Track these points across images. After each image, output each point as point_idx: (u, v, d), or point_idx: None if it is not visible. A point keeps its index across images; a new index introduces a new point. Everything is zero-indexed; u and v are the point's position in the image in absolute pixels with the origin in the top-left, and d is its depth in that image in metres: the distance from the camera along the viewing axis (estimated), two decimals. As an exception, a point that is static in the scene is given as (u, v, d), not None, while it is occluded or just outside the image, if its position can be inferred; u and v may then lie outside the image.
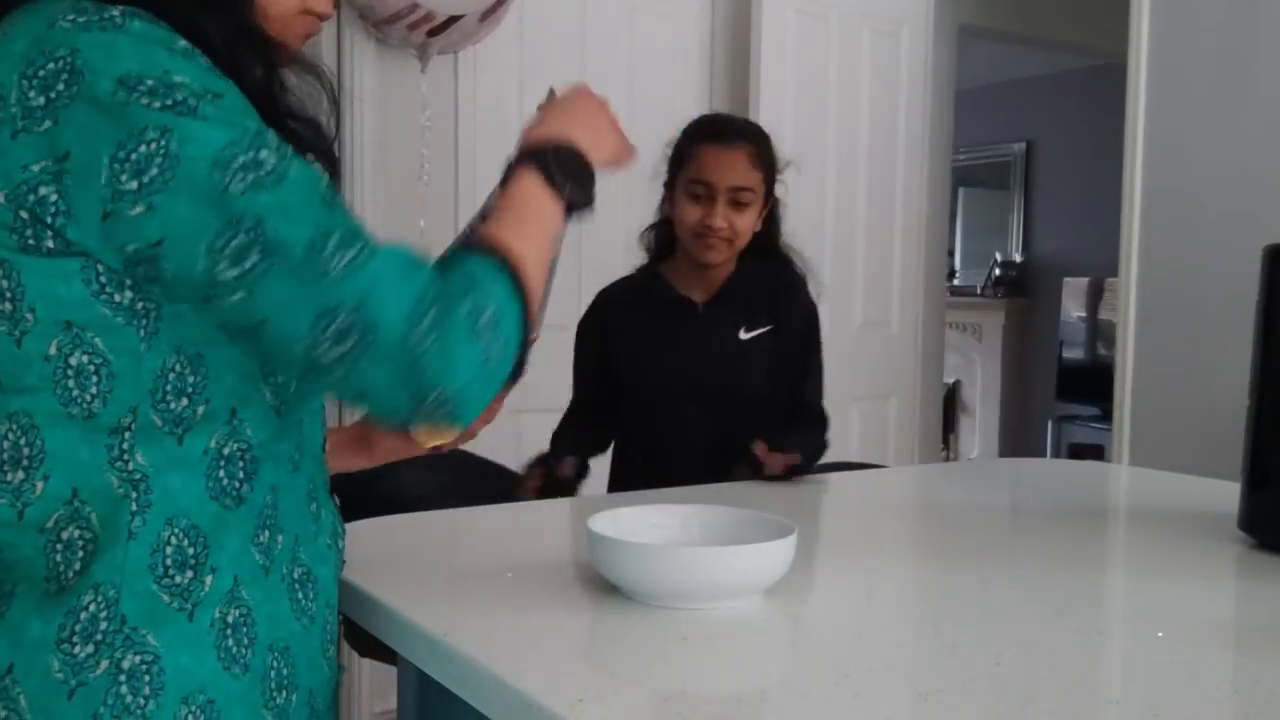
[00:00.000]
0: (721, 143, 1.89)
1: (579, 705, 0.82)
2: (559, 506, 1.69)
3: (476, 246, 0.87)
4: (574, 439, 1.98)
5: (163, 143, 0.74)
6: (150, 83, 0.74)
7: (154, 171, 0.74)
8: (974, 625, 1.06)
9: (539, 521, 1.58)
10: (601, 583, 1.11)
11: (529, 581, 1.16)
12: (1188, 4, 3.01)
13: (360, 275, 0.76)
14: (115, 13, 0.77)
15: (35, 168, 0.74)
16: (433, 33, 2.81)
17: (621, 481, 2.00)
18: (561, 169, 0.97)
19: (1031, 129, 6.73)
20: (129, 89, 0.74)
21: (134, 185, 0.74)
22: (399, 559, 1.25)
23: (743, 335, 1.98)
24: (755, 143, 1.91)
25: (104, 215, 0.75)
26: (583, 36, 3.31)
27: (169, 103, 0.74)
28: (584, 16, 3.30)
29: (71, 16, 0.76)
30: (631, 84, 3.27)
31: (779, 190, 1.99)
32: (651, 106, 2.98)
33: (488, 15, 2.85)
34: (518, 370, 0.87)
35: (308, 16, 0.94)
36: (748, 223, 1.90)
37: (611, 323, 2.02)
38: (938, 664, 0.97)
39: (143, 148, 0.73)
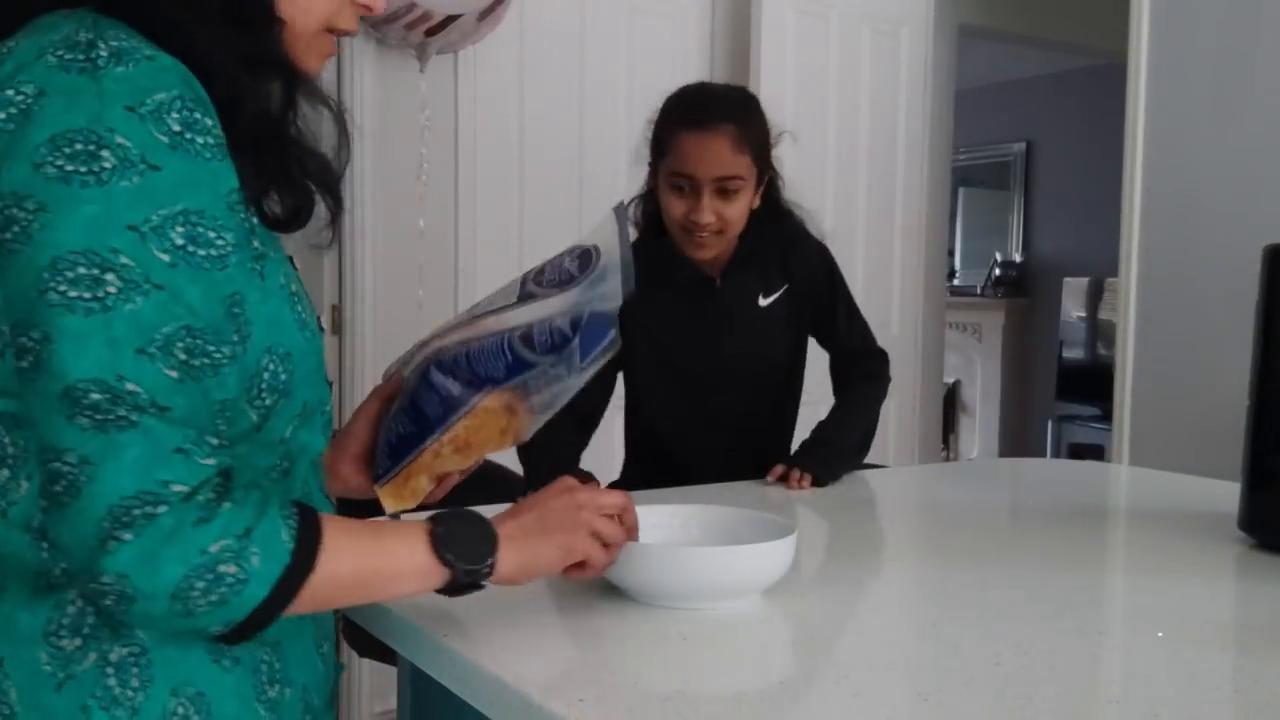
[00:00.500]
0: (700, 129, 1.70)
1: (579, 705, 0.82)
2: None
3: (306, 517, 0.79)
4: (560, 452, 1.74)
5: (31, 218, 0.72)
6: (79, 145, 0.72)
7: (8, 236, 0.72)
8: (974, 625, 1.06)
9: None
10: (602, 583, 1.11)
11: (529, 582, 1.16)
12: (1188, 4, 3.01)
13: (103, 438, 0.71)
14: (104, 53, 0.75)
15: None
16: (431, 32, 2.81)
17: (639, 481, 1.85)
18: (454, 529, 0.88)
19: (1031, 129, 6.74)
20: (54, 148, 0.72)
21: None
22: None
23: (762, 302, 1.87)
24: (739, 122, 1.73)
25: None
26: (582, 36, 3.31)
27: (81, 169, 0.72)
28: (584, 16, 3.30)
29: (60, 51, 0.75)
30: (631, 84, 3.27)
31: (778, 159, 1.84)
32: (651, 107, 2.97)
33: (486, 14, 2.85)
34: (228, 638, 0.78)
35: (329, 35, 0.92)
36: (738, 210, 1.75)
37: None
38: (938, 664, 0.97)
39: (15, 210, 0.72)
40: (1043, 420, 6.37)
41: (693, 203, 1.72)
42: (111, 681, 0.79)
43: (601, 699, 0.85)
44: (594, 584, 1.12)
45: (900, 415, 3.85)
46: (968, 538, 1.48)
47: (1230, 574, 1.32)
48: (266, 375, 0.83)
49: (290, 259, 0.93)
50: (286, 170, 0.87)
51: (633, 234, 1.82)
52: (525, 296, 1.07)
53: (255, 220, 0.84)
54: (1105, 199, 4.05)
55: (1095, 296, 5.98)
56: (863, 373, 1.96)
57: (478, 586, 0.90)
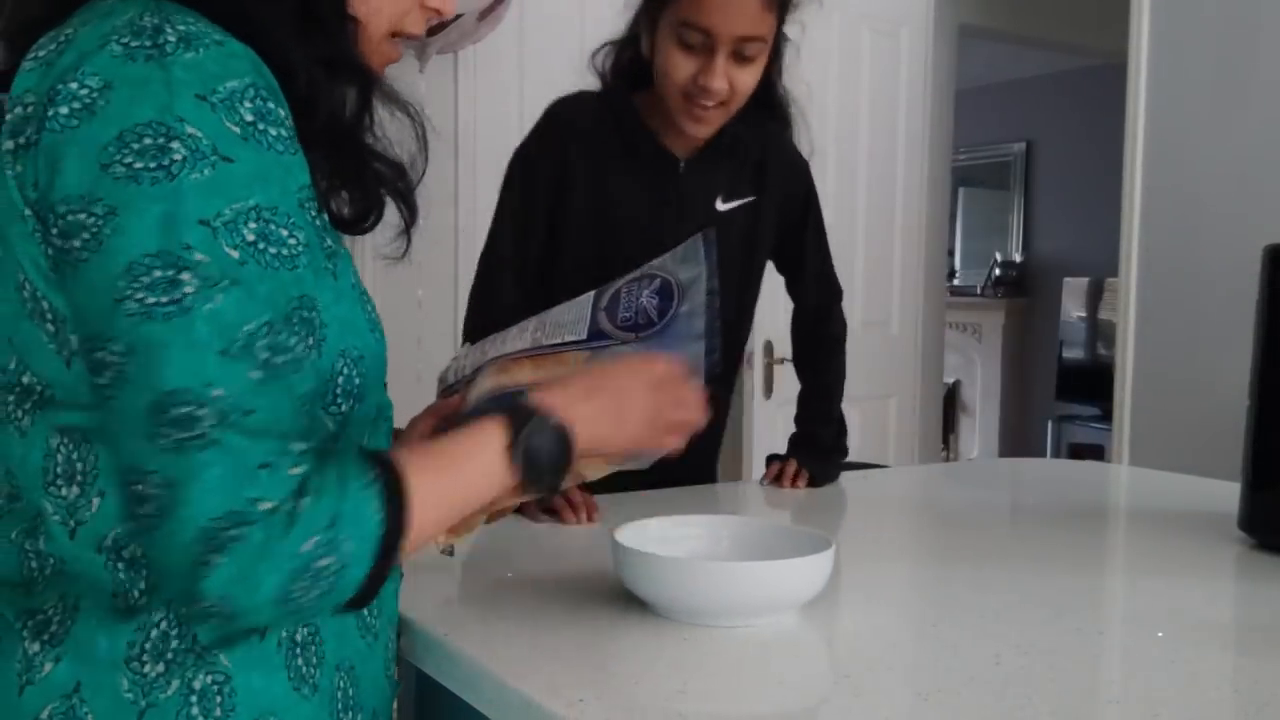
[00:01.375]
0: None
1: (579, 705, 0.82)
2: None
3: (388, 476, 0.76)
4: (497, 306, 1.53)
5: (101, 223, 0.69)
6: (149, 140, 0.69)
7: (76, 244, 0.69)
8: (974, 625, 1.06)
9: (540, 523, 1.58)
10: (602, 583, 1.11)
11: (529, 582, 1.16)
12: (1188, 4, 3.01)
13: (184, 459, 0.68)
14: (171, 38, 0.71)
15: (35, 185, 0.72)
16: (431, 32, 2.81)
17: None
18: (531, 444, 0.85)
19: (1031, 129, 6.73)
20: (122, 145, 0.69)
21: (59, 244, 0.70)
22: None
23: (720, 206, 1.62)
24: None
25: (46, 255, 0.72)
26: (582, 36, 3.30)
27: (151, 165, 0.69)
28: (584, 16, 3.30)
29: (125, 39, 0.71)
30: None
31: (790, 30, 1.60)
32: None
33: (486, 14, 2.85)
34: (347, 610, 0.78)
35: (395, 40, 0.89)
36: (751, 80, 1.50)
37: (573, 157, 1.56)
38: (937, 664, 0.97)
39: (83, 215, 0.69)
40: (1043, 420, 6.37)
41: (704, 62, 1.46)
42: (195, 710, 0.76)
43: (601, 699, 0.85)
44: (594, 584, 1.12)
45: (900, 415, 3.85)
46: (968, 538, 1.48)
47: (1230, 574, 1.32)
48: (341, 379, 0.80)
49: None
50: (359, 173, 0.84)
51: (597, 84, 1.66)
52: (595, 334, 1.03)
53: (325, 218, 0.81)
54: (1105, 199, 4.05)
55: (1095, 296, 5.98)
56: (830, 336, 1.80)
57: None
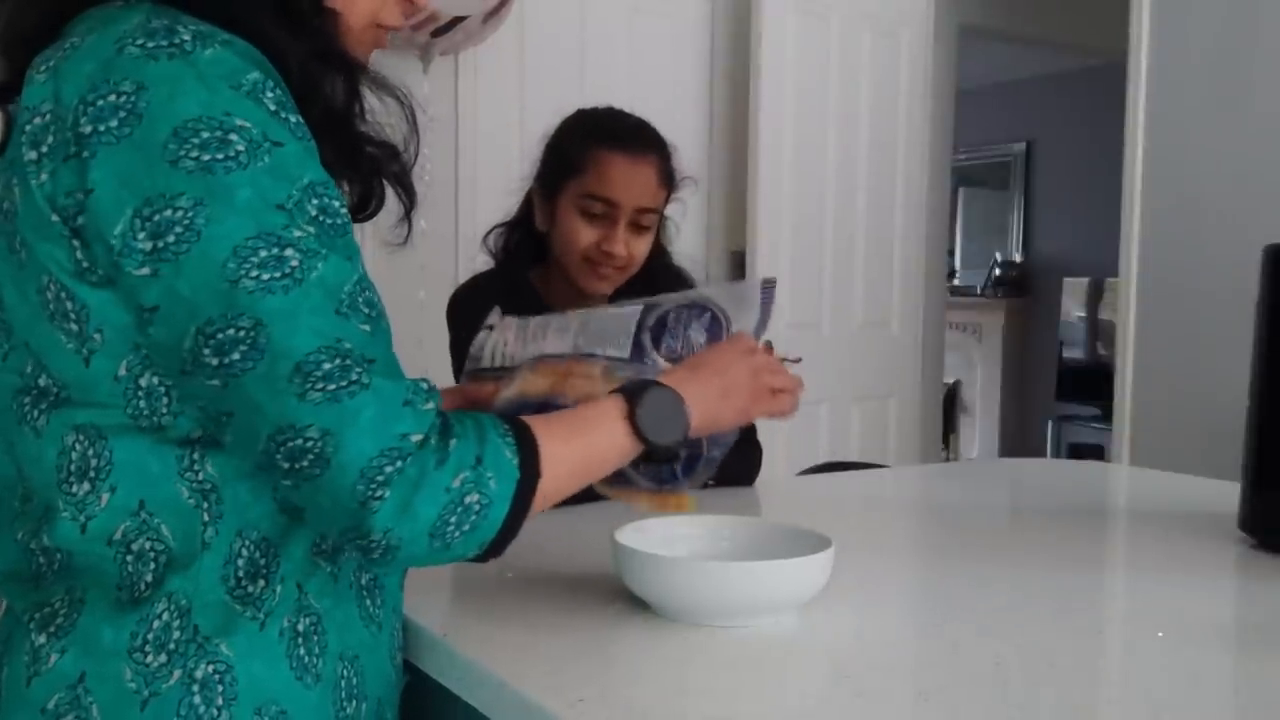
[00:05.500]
0: (632, 153, 1.58)
1: (579, 705, 0.82)
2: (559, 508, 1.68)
3: (520, 431, 0.83)
4: None
5: (191, 214, 0.71)
6: (206, 134, 0.71)
7: (170, 239, 0.71)
8: (974, 625, 1.06)
9: (540, 522, 1.58)
10: (602, 582, 1.11)
11: (529, 582, 1.16)
12: (1188, 4, 3.01)
13: (338, 407, 0.73)
14: (186, 37, 0.74)
15: (76, 196, 0.73)
16: (437, 33, 2.81)
17: None
18: (650, 410, 0.92)
19: (1031, 129, 6.73)
20: (181, 140, 0.71)
21: (148, 246, 0.72)
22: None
23: None
24: (663, 154, 1.62)
25: (111, 262, 0.73)
26: (583, 37, 3.31)
27: (219, 157, 0.72)
28: (584, 17, 3.31)
29: (141, 40, 0.73)
30: (632, 84, 3.27)
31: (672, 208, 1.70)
32: (651, 106, 2.97)
33: (491, 16, 2.86)
34: (483, 557, 0.83)
35: (377, 29, 0.91)
36: (645, 247, 1.62)
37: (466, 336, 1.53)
38: (938, 664, 0.97)
39: (169, 212, 0.71)
40: (1043, 420, 6.37)
41: (606, 231, 1.57)
42: (196, 699, 0.77)
43: (601, 699, 0.85)
44: (594, 583, 1.12)
45: (900, 415, 3.85)
46: (968, 538, 1.48)
47: (1230, 574, 1.32)
48: None
49: None
50: (355, 160, 0.87)
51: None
52: (638, 353, 1.04)
53: None
54: (1105, 199, 4.06)
55: (1095, 296, 5.98)
56: None
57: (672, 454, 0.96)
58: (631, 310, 1.08)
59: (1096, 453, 5.29)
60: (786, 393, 1.05)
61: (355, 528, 0.75)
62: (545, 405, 1.03)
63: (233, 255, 0.72)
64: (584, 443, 0.90)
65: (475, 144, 3.10)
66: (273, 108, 0.75)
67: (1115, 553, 1.50)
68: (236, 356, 0.72)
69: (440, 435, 0.77)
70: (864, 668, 0.95)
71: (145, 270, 0.72)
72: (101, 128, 0.72)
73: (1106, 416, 3.70)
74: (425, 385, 0.79)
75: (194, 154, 0.71)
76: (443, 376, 1.24)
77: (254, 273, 0.72)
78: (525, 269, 1.70)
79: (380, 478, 0.73)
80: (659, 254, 1.70)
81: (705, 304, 1.06)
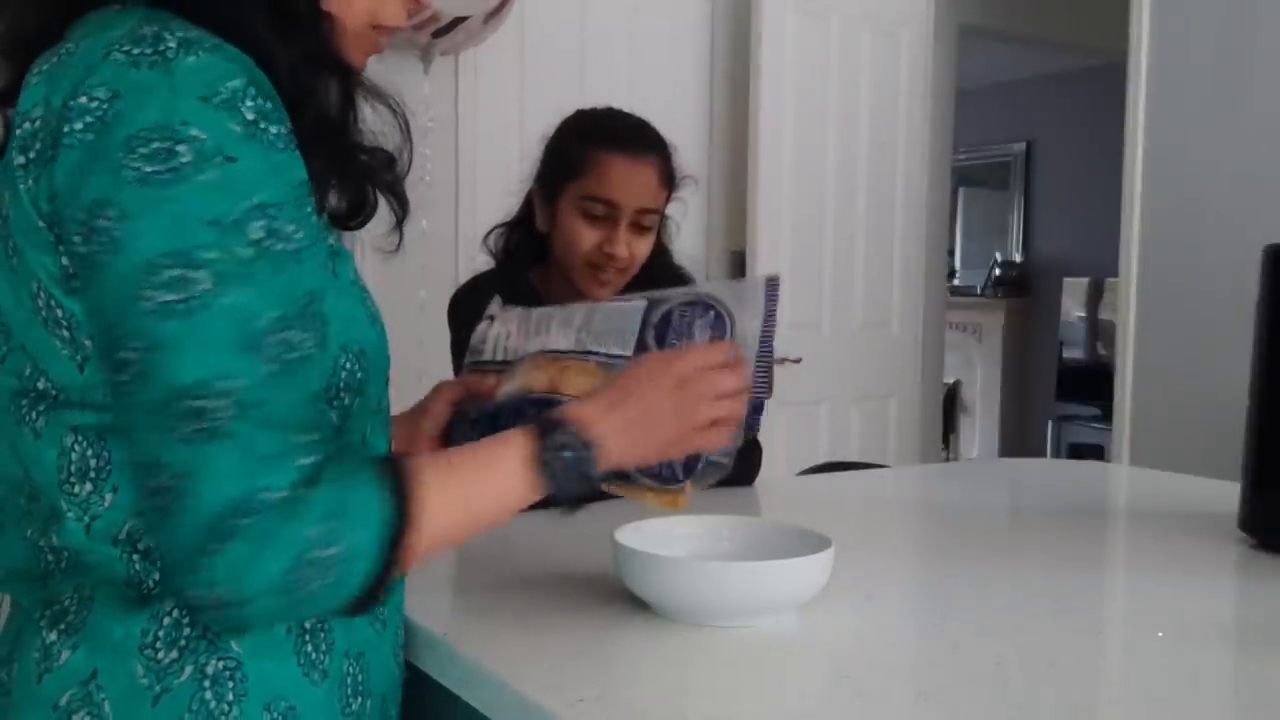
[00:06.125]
0: (632, 154, 1.57)
1: (579, 705, 0.82)
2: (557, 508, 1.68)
3: (399, 479, 0.77)
4: None
5: (116, 224, 0.70)
6: (156, 144, 0.70)
7: (96, 248, 0.71)
8: (974, 625, 1.06)
9: (540, 522, 1.58)
10: (602, 583, 1.11)
11: (529, 582, 1.16)
12: (1188, 4, 3.01)
13: (197, 450, 0.69)
14: (172, 44, 0.73)
15: (52, 201, 0.73)
16: (438, 34, 2.81)
17: None
18: (556, 459, 0.85)
19: (1031, 129, 6.73)
20: (130, 149, 0.70)
21: (83, 253, 0.72)
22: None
23: None
24: (663, 154, 1.62)
25: (61, 265, 0.73)
26: (583, 37, 3.31)
27: (160, 168, 0.70)
28: (584, 17, 3.30)
29: (127, 47, 0.73)
30: (631, 84, 3.27)
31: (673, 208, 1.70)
32: (651, 106, 2.98)
33: (492, 16, 2.86)
34: (352, 612, 0.78)
35: (375, 32, 0.90)
36: (647, 248, 1.62)
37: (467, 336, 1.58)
38: (938, 664, 0.97)
39: (101, 220, 0.70)
40: (1043, 420, 6.37)
41: (608, 233, 1.57)
42: (208, 695, 0.78)
43: (601, 699, 0.85)
44: (594, 583, 1.12)
45: (900, 415, 3.85)
46: (968, 538, 1.48)
47: (1230, 574, 1.32)
48: (344, 374, 0.82)
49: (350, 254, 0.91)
50: (348, 168, 0.85)
51: (488, 264, 1.73)
52: (641, 348, 1.04)
53: (323, 215, 0.82)
54: (1105, 199, 4.06)
55: (1095, 296, 5.98)
56: None
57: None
58: (635, 306, 1.08)
59: (1096, 453, 5.29)
60: (725, 423, 0.96)
61: (192, 579, 0.70)
62: (547, 401, 1.03)
63: (141, 271, 0.70)
64: (477, 490, 0.83)
65: (475, 144, 3.10)
66: (250, 117, 0.73)
67: (1115, 553, 1.50)
68: (126, 378, 0.71)
69: (306, 485, 0.72)
70: (864, 668, 0.95)
71: (77, 281, 0.72)
72: (70, 131, 0.72)
73: (1106, 416, 3.70)
74: (312, 438, 0.74)
75: (137, 164, 0.70)
76: (443, 376, 1.24)
77: (156, 293, 0.70)
78: (525, 269, 1.69)
79: (224, 529, 0.69)
80: (660, 253, 1.70)
81: (709, 301, 1.05)
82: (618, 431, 0.90)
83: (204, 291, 0.70)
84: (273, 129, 0.74)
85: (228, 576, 0.70)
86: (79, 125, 0.71)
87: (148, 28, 0.74)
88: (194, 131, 0.71)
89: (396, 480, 0.77)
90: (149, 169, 0.70)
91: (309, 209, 0.77)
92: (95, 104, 0.72)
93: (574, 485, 0.87)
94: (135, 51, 0.72)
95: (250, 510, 0.70)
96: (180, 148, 0.70)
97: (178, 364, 0.70)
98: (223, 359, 0.70)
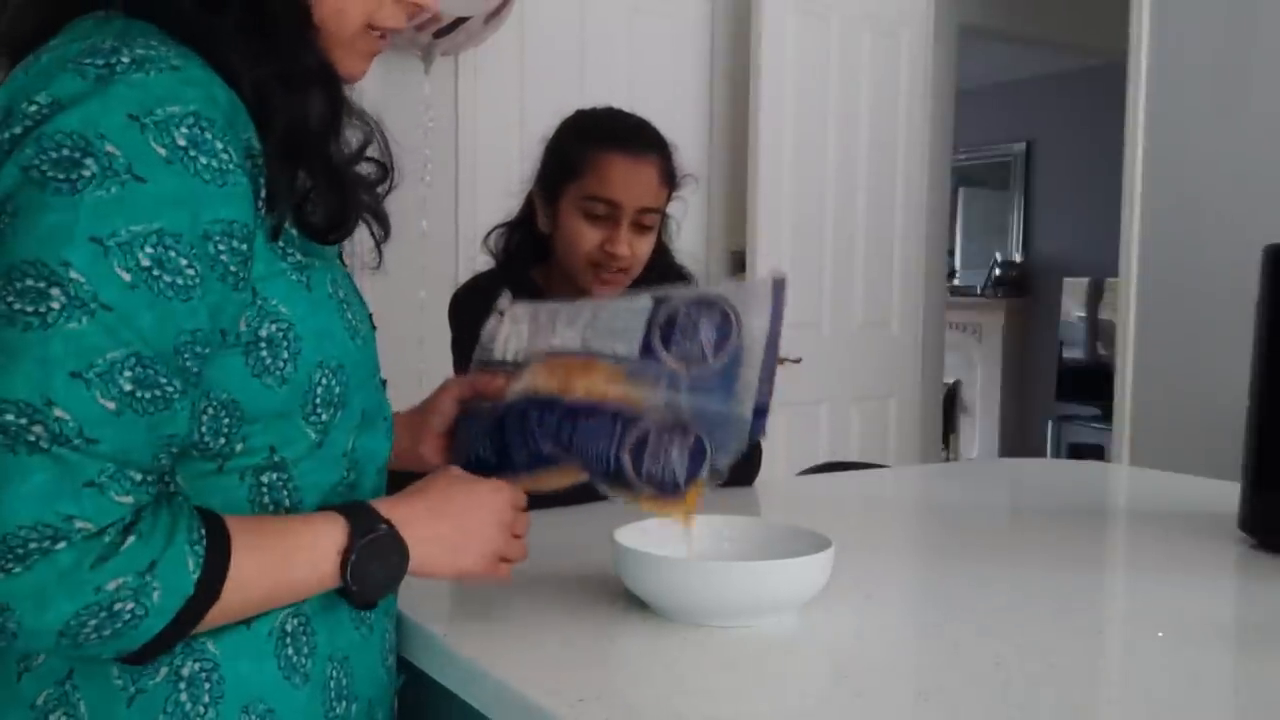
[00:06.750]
0: (632, 153, 1.57)
1: (579, 705, 0.83)
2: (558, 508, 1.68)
3: (215, 542, 0.74)
4: None
5: (4, 225, 0.69)
6: (66, 151, 0.70)
7: None
8: (974, 625, 1.06)
9: (540, 522, 1.58)
10: (602, 583, 1.11)
11: (529, 582, 1.16)
12: (1188, 4, 3.01)
13: (8, 460, 0.66)
14: (126, 59, 0.72)
15: None
16: (439, 34, 2.82)
17: None
18: (366, 564, 0.82)
19: (1031, 129, 6.73)
20: (39, 150, 0.70)
21: None
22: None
23: None
24: (664, 153, 1.61)
25: None
26: (583, 37, 3.31)
27: (61, 176, 0.69)
28: (584, 17, 3.31)
29: (86, 59, 0.72)
30: (631, 84, 3.27)
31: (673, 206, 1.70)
32: (651, 106, 2.98)
33: (493, 17, 2.86)
34: (124, 660, 0.75)
35: (373, 34, 0.88)
36: (648, 247, 1.62)
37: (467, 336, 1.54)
38: (938, 664, 0.97)
39: (2, 215, 0.70)
40: (1043, 420, 6.37)
41: (610, 233, 1.57)
42: (183, 697, 0.78)
43: (601, 699, 0.85)
44: (593, 583, 1.12)
45: (900, 415, 3.85)
46: (968, 538, 1.48)
47: (1230, 574, 1.32)
48: (320, 390, 0.81)
49: (341, 261, 0.90)
50: (323, 183, 0.83)
51: (489, 264, 1.73)
52: (647, 353, 1.03)
53: (295, 231, 0.81)
54: (1105, 199, 4.06)
55: (1095, 296, 5.98)
56: None
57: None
58: (642, 306, 1.08)
59: (1096, 453, 5.29)
60: (513, 562, 0.97)
61: None
62: (553, 402, 1.03)
63: (4, 275, 0.68)
64: (286, 569, 0.80)
65: (475, 144, 3.10)
66: (182, 144, 0.71)
67: (1115, 553, 1.50)
68: None
69: (121, 531, 0.69)
70: (864, 668, 0.95)
71: None
72: (11, 136, 0.71)
73: (1106, 416, 3.70)
74: (139, 479, 0.71)
75: (44, 168, 0.69)
76: (443, 376, 1.24)
77: (10, 299, 0.68)
78: (526, 269, 1.69)
79: (20, 550, 0.66)
80: (661, 253, 1.69)
81: (716, 301, 1.05)
82: (428, 542, 0.88)
83: (52, 310, 0.68)
84: (202, 159, 0.72)
85: (11, 603, 0.67)
86: (18, 129, 0.71)
87: (111, 42, 0.73)
88: (108, 147, 0.70)
89: (213, 549, 0.74)
90: (50, 173, 0.69)
91: (228, 249, 0.74)
92: (34, 109, 0.71)
93: (372, 589, 0.84)
94: (86, 62, 0.72)
95: (55, 536, 0.67)
96: (88, 160, 0.70)
97: (9, 375, 0.67)
98: (53, 383, 0.67)
